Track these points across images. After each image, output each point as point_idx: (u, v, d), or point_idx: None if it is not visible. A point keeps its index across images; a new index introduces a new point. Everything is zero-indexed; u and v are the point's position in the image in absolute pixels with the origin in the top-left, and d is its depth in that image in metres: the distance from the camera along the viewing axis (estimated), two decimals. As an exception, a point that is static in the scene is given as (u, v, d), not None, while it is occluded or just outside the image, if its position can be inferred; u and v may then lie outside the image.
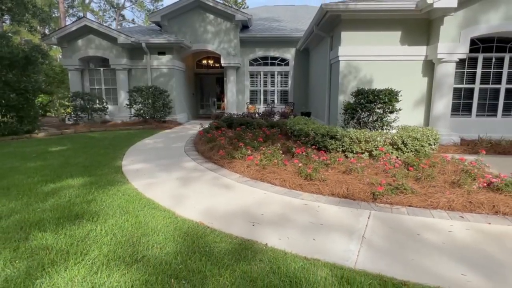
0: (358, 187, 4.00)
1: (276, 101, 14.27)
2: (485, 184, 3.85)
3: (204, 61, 16.26)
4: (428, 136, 5.71)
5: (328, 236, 2.90)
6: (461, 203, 3.52)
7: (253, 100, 14.43)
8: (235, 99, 13.80)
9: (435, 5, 6.72)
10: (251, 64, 14.09)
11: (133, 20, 43.32)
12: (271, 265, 2.34)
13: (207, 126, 8.72)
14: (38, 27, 23.50)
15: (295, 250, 2.59)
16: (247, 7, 41.20)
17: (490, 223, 3.21)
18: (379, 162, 4.99)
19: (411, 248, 2.69)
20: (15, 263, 2.33)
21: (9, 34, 13.00)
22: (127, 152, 6.73)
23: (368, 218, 3.32)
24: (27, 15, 13.30)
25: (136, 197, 3.83)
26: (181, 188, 4.24)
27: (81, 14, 36.45)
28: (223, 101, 15.72)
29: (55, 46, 17.18)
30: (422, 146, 5.58)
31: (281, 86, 14.26)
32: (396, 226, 3.12)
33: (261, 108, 13.89)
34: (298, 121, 7.50)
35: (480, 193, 3.68)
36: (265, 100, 14.36)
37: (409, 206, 3.61)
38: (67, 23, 30.78)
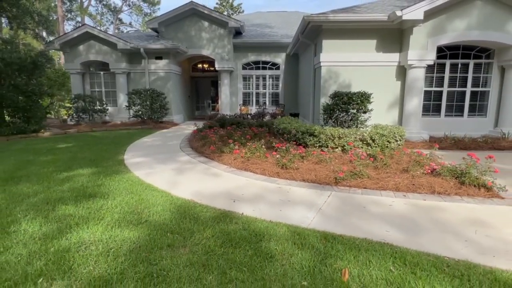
0: (325, 174, 4.77)
1: (267, 103, 15.06)
2: (429, 171, 4.63)
3: (200, 65, 17.04)
4: (394, 133, 6.50)
5: (292, 208, 3.65)
6: (406, 185, 4.30)
7: (246, 102, 15.21)
8: (228, 101, 14.57)
9: (404, 17, 7.55)
10: (244, 68, 14.88)
11: (130, 23, 44.03)
12: (243, 225, 3.09)
13: (201, 126, 9.45)
14: (37, 31, 24.13)
15: (264, 217, 3.34)
16: (243, 11, 42.15)
17: (425, 200, 3.98)
18: (347, 154, 5.76)
19: (355, 216, 3.45)
20: (48, 224, 3.06)
21: (14, 39, 13.65)
22: (127, 148, 7.45)
23: (328, 196, 4.08)
24: (32, 23, 14.02)
25: (138, 182, 4.57)
26: (176, 176, 4.98)
27: (79, 18, 37.18)
28: (218, 103, 16.46)
29: (52, 50, 17.74)
30: (388, 141, 6.36)
31: (272, 89, 15.06)
32: (349, 202, 3.89)
33: (253, 109, 14.67)
34: (283, 121, 8.26)
35: (423, 178, 4.46)
36: (257, 102, 15.14)
37: (364, 188, 4.38)
38: (65, 27, 31.49)
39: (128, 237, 2.80)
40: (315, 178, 4.68)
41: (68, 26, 36.17)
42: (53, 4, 31.67)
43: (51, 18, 29.49)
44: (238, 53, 14.61)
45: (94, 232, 2.90)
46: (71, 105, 12.39)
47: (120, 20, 42.89)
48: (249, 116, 12.53)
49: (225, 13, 41.12)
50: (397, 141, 6.54)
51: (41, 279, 2.17)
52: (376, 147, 6.26)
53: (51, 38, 31.01)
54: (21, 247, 2.62)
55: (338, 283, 2.18)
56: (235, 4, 41.85)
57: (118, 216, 3.27)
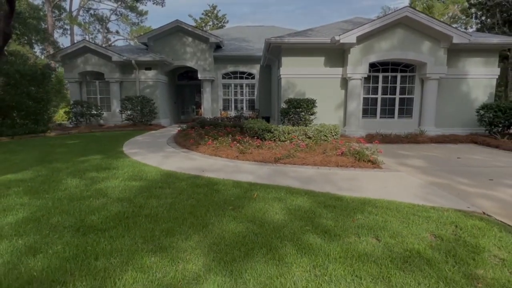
0: (269, 156, 6.81)
1: (244, 108, 17.13)
2: (340, 153, 6.73)
3: (185, 74, 18.97)
4: (330, 130, 8.63)
5: (240, 174, 5.65)
6: (321, 161, 6.38)
7: (225, 107, 17.23)
8: (210, 107, 16.56)
9: (341, 41, 9.77)
10: (223, 78, 16.93)
11: (117, 31, 45.51)
12: (206, 180, 5.07)
13: (185, 127, 11.39)
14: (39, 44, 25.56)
15: (220, 177, 5.33)
16: (228, 21, 44.45)
17: (329, 170, 6.05)
18: (290, 145, 7.84)
19: (278, 177, 5.48)
20: (84, 181, 4.96)
21: (27, 54, 15.30)
22: (124, 144, 9.31)
23: (267, 169, 6.10)
24: (40, 39, 15.71)
25: (136, 162, 6.49)
26: (163, 159, 6.92)
27: (68, 26, 38.55)
28: (201, 108, 18.41)
29: (53, 61, 19.55)
30: (325, 136, 8.48)
31: (249, 96, 17.15)
32: (278, 171, 5.92)
33: (232, 114, 16.71)
34: (250, 122, 10.29)
35: (333, 157, 6.56)
36: (236, 107, 17.19)
37: (293, 164, 6.42)
38: (55, 35, 32.87)
39: (135, 185, 4.74)
40: (262, 159, 6.71)
41: (57, 35, 37.53)
42: (41, 13, 33.00)
43: (40, 27, 30.86)
44: (219, 64, 16.66)
45: (114, 183, 4.82)
46: (70, 110, 14.09)
47: (108, 29, 44.34)
48: (226, 119, 14.54)
49: (210, 23, 43.38)
50: (333, 136, 8.68)
51: (91, 198, 4.10)
52: (315, 140, 8.37)
53: (41, 46, 32.45)
54: (74, 187, 4.53)
55: (249, 198, 4.19)
56: (220, 14, 44.17)
57: (127, 176, 5.21)
